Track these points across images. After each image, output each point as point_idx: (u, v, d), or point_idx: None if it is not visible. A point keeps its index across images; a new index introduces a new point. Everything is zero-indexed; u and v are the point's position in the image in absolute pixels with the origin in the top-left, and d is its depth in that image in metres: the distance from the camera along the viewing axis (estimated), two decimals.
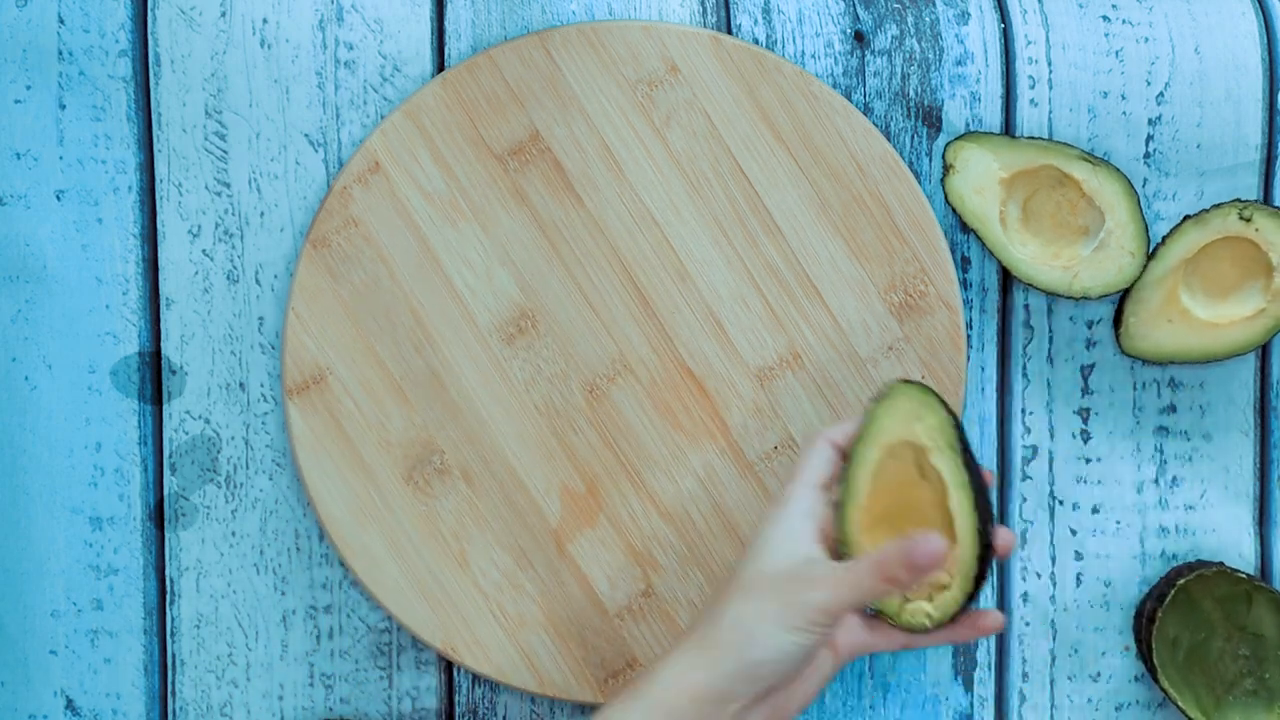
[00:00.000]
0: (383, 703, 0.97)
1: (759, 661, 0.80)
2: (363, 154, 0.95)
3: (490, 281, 0.96)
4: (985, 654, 0.99)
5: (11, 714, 0.97)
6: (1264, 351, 0.99)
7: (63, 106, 0.95)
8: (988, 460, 0.98)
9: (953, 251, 0.97)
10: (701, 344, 0.96)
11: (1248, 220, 0.94)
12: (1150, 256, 0.95)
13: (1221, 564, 0.97)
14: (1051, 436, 0.99)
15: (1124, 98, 0.97)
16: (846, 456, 0.86)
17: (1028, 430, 0.98)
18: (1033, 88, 0.97)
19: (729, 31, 0.96)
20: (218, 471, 0.97)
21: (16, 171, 0.95)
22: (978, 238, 0.97)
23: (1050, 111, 0.97)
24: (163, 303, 0.96)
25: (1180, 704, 0.95)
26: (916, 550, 0.77)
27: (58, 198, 0.95)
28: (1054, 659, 0.99)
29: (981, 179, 0.96)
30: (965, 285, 0.98)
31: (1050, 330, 0.98)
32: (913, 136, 0.97)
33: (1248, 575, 0.96)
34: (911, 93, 0.97)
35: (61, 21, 0.94)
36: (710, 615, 0.82)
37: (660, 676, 0.81)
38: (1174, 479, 0.99)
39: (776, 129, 0.96)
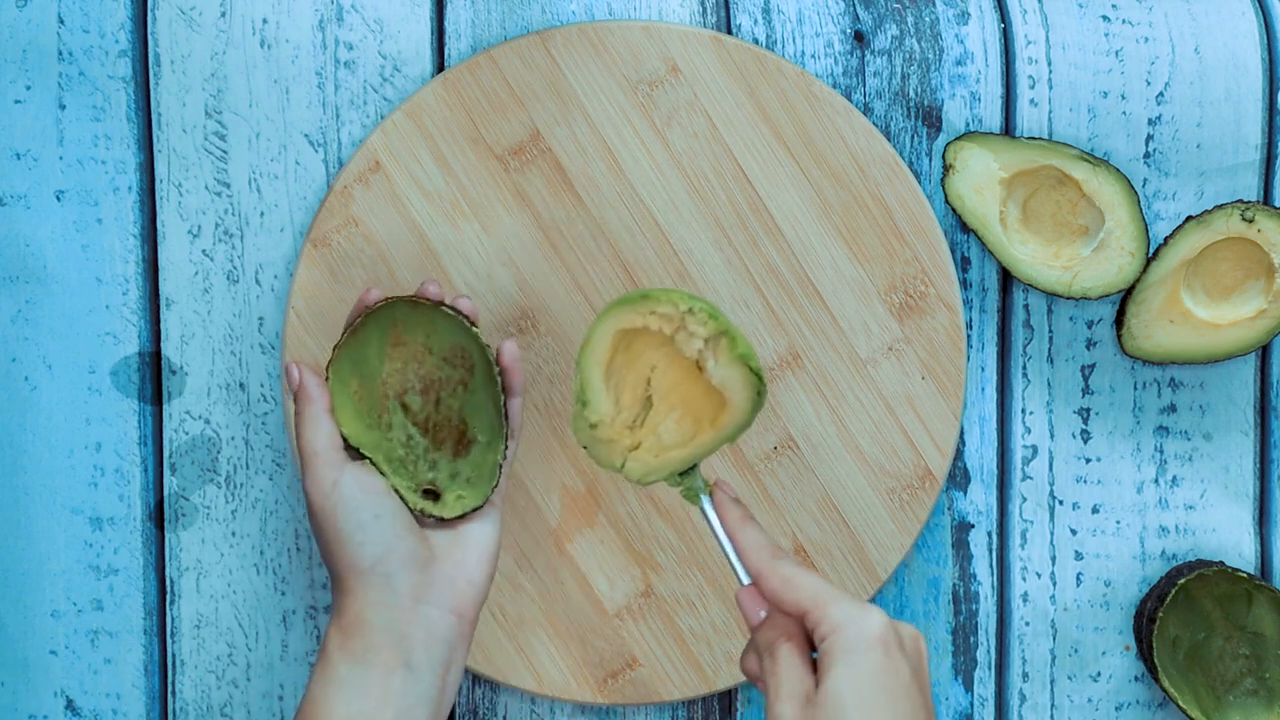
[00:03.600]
0: None
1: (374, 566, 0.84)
2: (363, 153, 0.95)
3: (490, 281, 0.95)
4: (985, 654, 0.99)
5: (11, 714, 0.97)
6: (1264, 351, 0.99)
7: (63, 106, 0.95)
8: (987, 461, 0.98)
9: (953, 251, 0.97)
10: None
11: (1250, 221, 0.94)
12: (1152, 257, 0.96)
13: (1221, 564, 0.97)
14: (1051, 436, 0.99)
15: (1124, 98, 0.97)
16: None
17: (1028, 430, 0.99)
18: (1033, 88, 0.97)
19: (729, 31, 0.96)
20: (218, 471, 0.97)
21: (16, 171, 0.95)
22: (978, 238, 0.97)
23: (1050, 111, 0.97)
24: (163, 303, 0.96)
25: (1181, 704, 0.96)
26: None
27: (58, 198, 0.95)
28: (1054, 659, 0.99)
29: (981, 179, 0.96)
30: (965, 285, 0.98)
31: (1050, 330, 0.98)
32: (913, 136, 0.97)
33: (1248, 575, 0.96)
34: (911, 93, 0.97)
35: (61, 21, 0.94)
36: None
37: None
38: (1174, 479, 0.99)
39: (777, 129, 0.96)
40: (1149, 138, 0.97)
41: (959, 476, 0.98)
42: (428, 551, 0.85)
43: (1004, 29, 0.97)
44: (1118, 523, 0.99)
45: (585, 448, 0.84)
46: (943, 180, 0.96)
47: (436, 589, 0.84)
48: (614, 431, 0.84)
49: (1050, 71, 0.97)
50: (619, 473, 0.84)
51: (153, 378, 0.96)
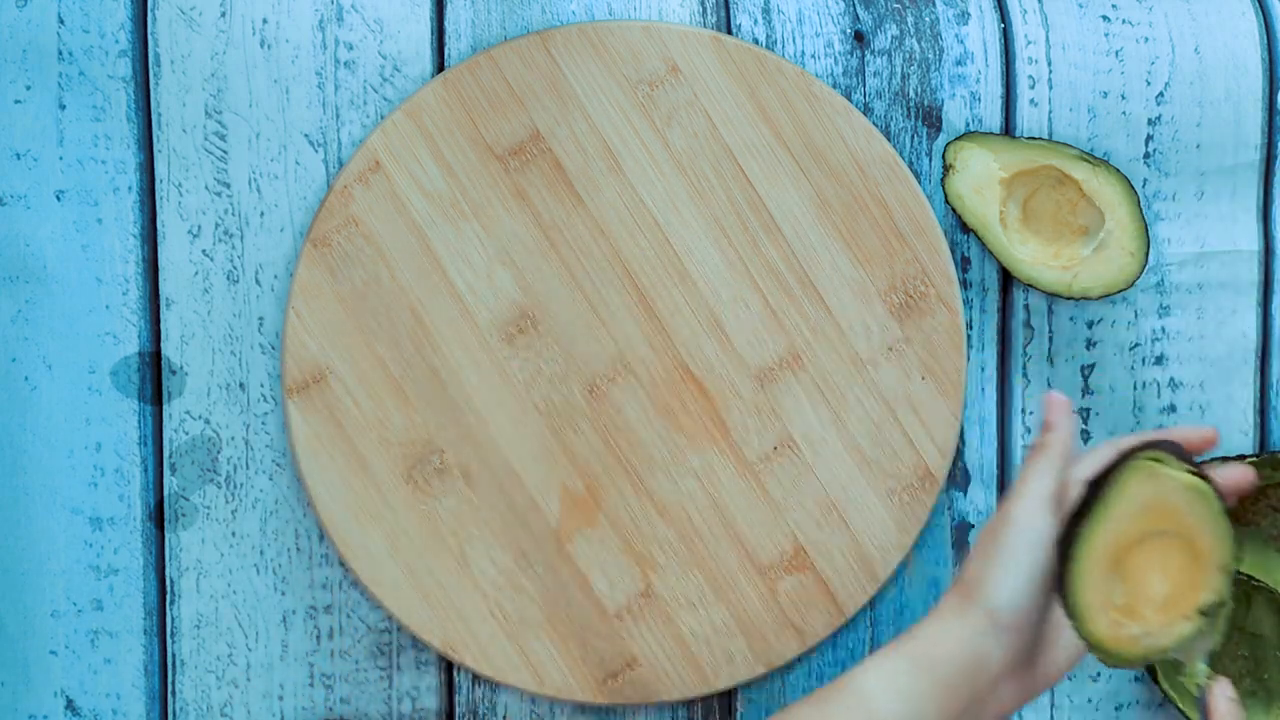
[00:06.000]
0: (383, 703, 0.97)
1: (998, 609, 0.81)
2: (363, 153, 0.95)
3: (490, 281, 0.96)
4: None
5: (11, 714, 0.97)
6: (1264, 351, 0.99)
7: (63, 106, 0.95)
8: (987, 461, 0.98)
9: (953, 251, 0.97)
10: (701, 344, 0.96)
11: None
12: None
13: None
14: None
15: (1124, 98, 0.97)
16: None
17: (1028, 430, 0.99)
18: (1033, 88, 0.97)
19: (729, 31, 0.96)
20: (218, 471, 0.97)
21: (16, 171, 0.95)
22: (978, 238, 0.97)
23: (1050, 111, 0.97)
24: (163, 303, 0.96)
25: (1180, 705, 0.96)
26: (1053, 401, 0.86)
27: (58, 198, 0.95)
28: None
29: (981, 179, 0.96)
30: (965, 285, 0.98)
31: (1050, 330, 0.98)
32: (913, 136, 0.97)
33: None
34: (911, 93, 0.97)
35: (61, 21, 0.94)
36: (957, 580, 0.83)
37: (924, 633, 0.82)
38: None
39: (777, 129, 0.96)
40: (1149, 138, 0.97)
41: (959, 476, 0.98)
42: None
43: (1004, 29, 0.97)
44: None
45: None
46: (943, 180, 0.96)
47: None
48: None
49: (1050, 71, 0.97)
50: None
51: (153, 378, 0.96)
